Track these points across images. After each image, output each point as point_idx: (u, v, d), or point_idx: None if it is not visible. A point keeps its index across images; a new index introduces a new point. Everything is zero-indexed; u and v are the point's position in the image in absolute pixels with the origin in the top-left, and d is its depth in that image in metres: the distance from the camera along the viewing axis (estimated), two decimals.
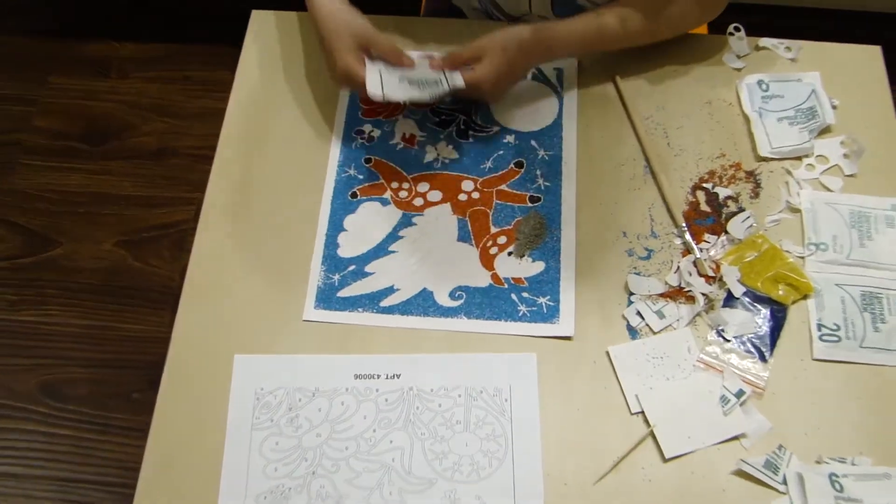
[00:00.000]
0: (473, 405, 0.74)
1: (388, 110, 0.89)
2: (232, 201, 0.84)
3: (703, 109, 0.89)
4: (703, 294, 0.78)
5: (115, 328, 1.52)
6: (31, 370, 1.48)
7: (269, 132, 0.88)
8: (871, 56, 0.92)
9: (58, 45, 1.83)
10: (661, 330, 0.77)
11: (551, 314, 0.78)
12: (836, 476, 0.69)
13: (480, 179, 0.85)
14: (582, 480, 0.71)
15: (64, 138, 1.72)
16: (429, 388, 0.75)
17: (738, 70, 0.91)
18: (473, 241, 0.82)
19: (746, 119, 0.88)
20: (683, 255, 0.80)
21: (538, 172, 0.85)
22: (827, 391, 0.74)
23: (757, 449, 0.72)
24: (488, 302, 0.78)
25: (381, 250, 0.81)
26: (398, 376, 0.75)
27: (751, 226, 0.82)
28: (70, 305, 1.54)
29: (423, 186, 0.85)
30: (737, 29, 0.92)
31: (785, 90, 0.89)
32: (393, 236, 0.82)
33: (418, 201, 0.84)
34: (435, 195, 0.84)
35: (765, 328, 0.77)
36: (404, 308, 0.78)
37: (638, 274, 0.80)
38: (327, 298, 0.79)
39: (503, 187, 0.85)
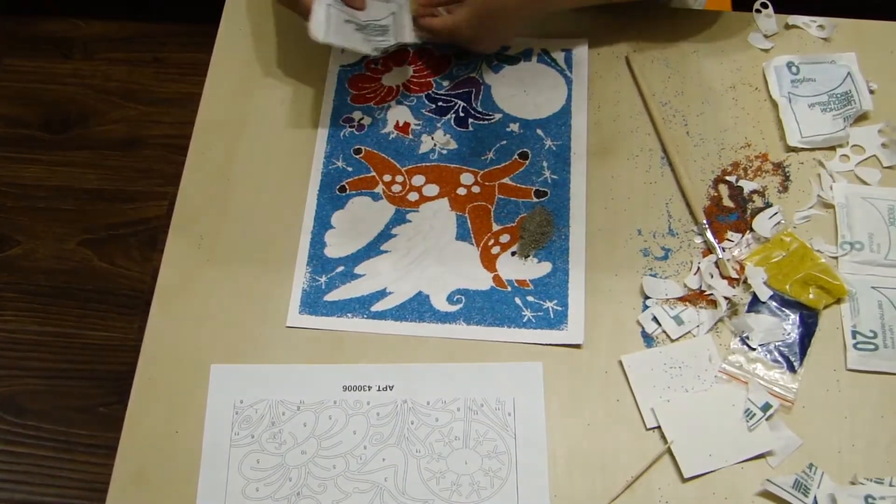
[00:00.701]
0: (473, 419, 0.75)
1: (379, 96, 0.90)
2: (209, 196, 0.85)
3: (727, 94, 0.90)
4: (726, 298, 0.78)
5: (79, 335, 1.53)
6: None
7: (249, 120, 0.89)
8: None
9: (12, 22, 1.83)
10: (680, 337, 0.78)
11: (559, 320, 0.78)
12: (873, 498, 0.70)
13: (481, 172, 0.86)
14: (592, 502, 0.72)
15: (21, 126, 1.73)
16: (425, 401, 0.75)
17: (766, 51, 0.92)
18: (473, 240, 0.83)
19: (774, 105, 0.89)
20: (704, 255, 0.81)
21: (544, 164, 0.86)
22: (862, 404, 0.75)
23: (785, 468, 0.72)
24: (490, 306, 0.79)
25: (372, 250, 0.82)
26: (391, 388, 0.76)
27: (778, 223, 0.82)
28: (28, 310, 1.55)
29: (418, 180, 0.86)
30: (764, 6, 0.92)
31: (817, 73, 0.90)
32: (385, 234, 0.83)
33: (413, 196, 0.85)
34: (431, 189, 0.85)
35: (794, 335, 0.77)
36: (398, 313, 0.79)
37: (654, 275, 0.80)
38: (313, 303, 0.79)
39: (506, 180, 0.85)
